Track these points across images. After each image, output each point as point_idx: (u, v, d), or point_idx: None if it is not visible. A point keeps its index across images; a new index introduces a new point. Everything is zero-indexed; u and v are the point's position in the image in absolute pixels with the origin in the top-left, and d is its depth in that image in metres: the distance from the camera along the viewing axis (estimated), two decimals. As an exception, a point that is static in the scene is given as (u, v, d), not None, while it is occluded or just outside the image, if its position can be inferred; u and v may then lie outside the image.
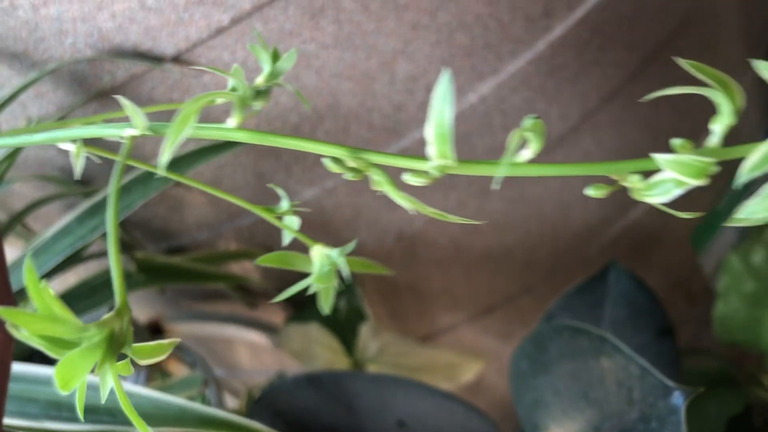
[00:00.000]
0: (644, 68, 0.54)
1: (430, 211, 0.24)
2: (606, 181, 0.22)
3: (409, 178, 0.22)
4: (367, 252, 0.55)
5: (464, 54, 0.45)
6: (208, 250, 0.51)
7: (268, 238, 0.54)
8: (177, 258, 0.47)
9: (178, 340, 0.22)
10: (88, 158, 0.27)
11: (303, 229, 0.56)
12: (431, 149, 0.20)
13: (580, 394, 0.31)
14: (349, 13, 0.41)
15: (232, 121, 0.24)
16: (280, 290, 0.58)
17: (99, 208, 0.39)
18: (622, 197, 0.64)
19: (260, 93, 0.27)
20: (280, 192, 0.29)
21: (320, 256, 0.27)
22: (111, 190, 0.21)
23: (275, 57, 0.28)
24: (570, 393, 0.32)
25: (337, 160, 0.23)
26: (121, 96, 0.23)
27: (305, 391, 0.41)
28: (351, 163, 0.23)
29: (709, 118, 0.20)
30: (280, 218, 0.30)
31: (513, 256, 0.59)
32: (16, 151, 0.42)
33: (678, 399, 0.27)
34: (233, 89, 0.25)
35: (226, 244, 0.52)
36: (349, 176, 0.24)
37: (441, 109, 0.19)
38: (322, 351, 0.55)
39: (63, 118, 0.44)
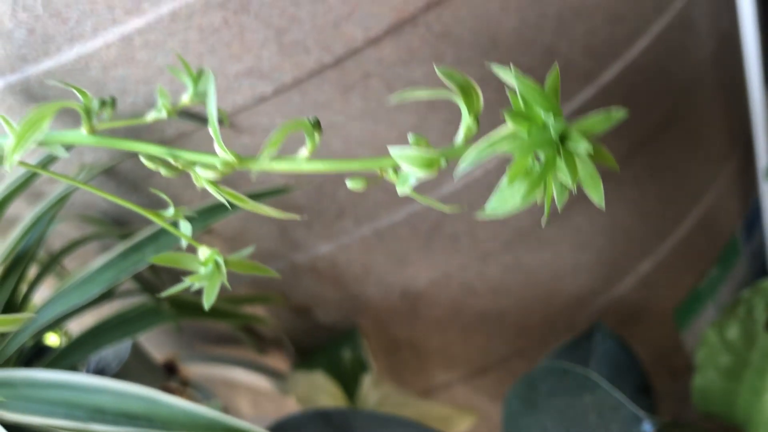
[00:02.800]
0: (632, 156, 0.60)
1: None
2: (370, 176, 0.26)
3: (202, 171, 0.26)
4: (373, 306, 0.60)
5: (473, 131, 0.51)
6: (229, 293, 0.55)
7: (281, 288, 0.58)
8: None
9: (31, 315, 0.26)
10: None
11: (315, 280, 0.61)
12: (216, 147, 0.25)
13: (565, 429, 0.35)
14: (376, 91, 0.47)
15: (83, 128, 0.28)
16: (290, 337, 0.63)
17: (141, 245, 0.44)
18: (609, 272, 0.70)
19: (104, 103, 0.32)
20: (167, 199, 0.33)
21: (206, 256, 0.31)
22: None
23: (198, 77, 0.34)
24: (557, 429, 0.36)
25: (152, 158, 0.27)
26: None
27: (314, 426, 0.45)
28: (171, 162, 0.27)
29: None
30: (175, 225, 0.34)
31: (507, 320, 0.64)
32: (69, 194, 0.48)
33: (647, 427, 0.31)
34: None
35: (244, 290, 0.57)
36: (167, 173, 0.28)
37: (210, 108, 0.24)
38: (325, 398, 0.58)
39: (114, 167, 0.49)
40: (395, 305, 0.60)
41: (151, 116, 0.31)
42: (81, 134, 0.26)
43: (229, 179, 0.51)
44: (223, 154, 0.24)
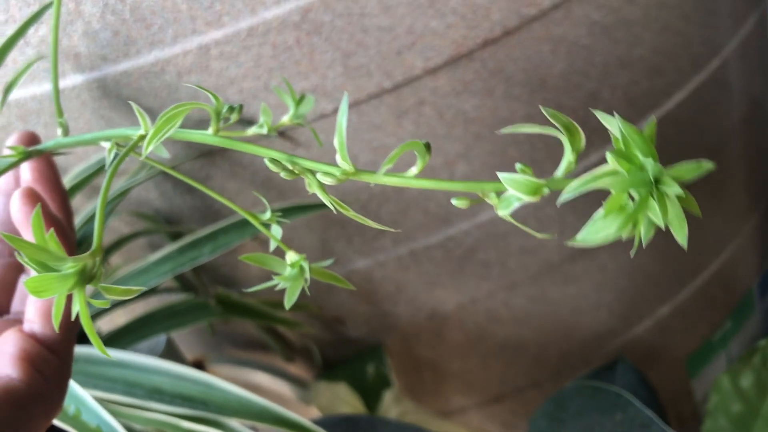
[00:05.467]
0: (660, 202, 0.62)
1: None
2: (472, 196, 0.28)
3: (322, 178, 0.28)
4: (401, 325, 0.62)
5: (513, 164, 0.54)
6: (267, 298, 0.58)
7: (316, 298, 0.61)
8: (250, 299, 0.54)
9: (143, 288, 0.28)
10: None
11: (348, 294, 0.64)
12: (337, 156, 0.27)
13: (592, 447, 0.37)
14: (428, 118, 0.50)
15: (211, 129, 0.31)
16: (319, 347, 0.65)
17: (198, 243, 0.46)
18: (629, 313, 0.72)
19: (232, 109, 0.35)
20: (264, 201, 0.35)
21: (292, 260, 0.34)
22: (105, 182, 0.28)
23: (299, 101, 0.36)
24: (584, 446, 0.38)
25: (275, 162, 0.30)
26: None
27: (341, 430, 0.47)
28: (288, 166, 0.30)
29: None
30: (267, 226, 0.37)
31: (526, 350, 0.65)
32: (128, 189, 0.50)
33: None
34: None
35: (280, 297, 0.59)
36: (285, 176, 0.30)
37: (341, 121, 0.26)
38: (347, 409, 0.60)
39: (175, 167, 0.52)
40: (422, 326, 0.62)
41: (251, 131, 0.33)
42: (207, 134, 0.29)
43: (282, 189, 0.53)
44: (343, 164, 0.26)
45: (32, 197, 0.29)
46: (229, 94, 0.48)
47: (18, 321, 0.31)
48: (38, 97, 0.50)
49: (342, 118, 0.25)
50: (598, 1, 0.50)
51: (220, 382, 0.36)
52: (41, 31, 0.46)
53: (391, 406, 0.60)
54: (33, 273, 0.32)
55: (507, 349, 0.65)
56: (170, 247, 0.46)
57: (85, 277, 0.25)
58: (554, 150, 0.55)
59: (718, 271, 0.71)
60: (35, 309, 0.28)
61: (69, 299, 0.29)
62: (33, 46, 0.46)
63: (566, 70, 0.52)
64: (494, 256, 0.58)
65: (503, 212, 0.25)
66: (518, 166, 0.25)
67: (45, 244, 0.24)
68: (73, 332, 0.29)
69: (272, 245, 0.35)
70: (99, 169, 0.49)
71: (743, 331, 0.75)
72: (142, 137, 0.30)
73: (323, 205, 0.52)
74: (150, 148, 0.26)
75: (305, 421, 0.35)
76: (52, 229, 0.25)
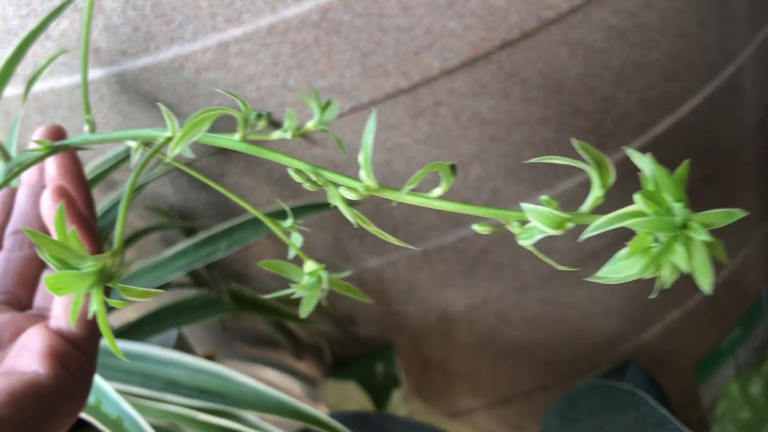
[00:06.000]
0: (673, 207, 0.62)
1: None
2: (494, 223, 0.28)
3: (346, 193, 0.28)
4: (410, 325, 0.62)
5: (528, 167, 0.54)
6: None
7: (326, 296, 0.61)
8: (264, 295, 0.54)
9: (161, 291, 0.29)
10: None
11: (362, 292, 0.63)
12: (361, 173, 0.27)
13: (605, 448, 0.37)
14: (444, 119, 0.51)
15: (237, 135, 0.31)
16: (328, 345, 0.65)
17: (215, 238, 0.46)
18: (639, 318, 0.72)
19: (260, 116, 0.35)
20: (287, 209, 0.35)
21: (310, 270, 0.34)
22: (130, 183, 0.28)
23: (324, 107, 0.37)
24: (597, 447, 0.38)
25: (300, 172, 0.30)
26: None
27: (352, 428, 0.47)
28: (312, 177, 0.30)
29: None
30: (288, 234, 0.37)
31: (536, 353, 0.66)
32: (145, 184, 0.51)
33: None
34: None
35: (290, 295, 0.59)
36: (308, 187, 0.30)
37: (367, 139, 0.26)
38: (355, 408, 0.60)
39: (191, 163, 0.52)
40: (432, 326, 0.62)
41: (275, 135, 0.33)
42: (234, 140, 0.29)
43: (296, 187, 0.54)
44: (366, 180, 0.26)
45: (63, 195, 0.30)
46: (247, 91, 0.48)
47: (41, 317, 0.31)
48: (56, 90, 0.50)
49: (369, 136, 0.25)
50: (616, 5, 0.50)
51: (236, 375, 0.36)
52: (62, 24, 0.46)
53: (400, 405, 0.60)
54: (51, 270, 0.33)
55: (516, 352, 0.65)
56: (186, 243, 0.46)
57: (104, 277, 0.25)
58: (569, 155, 0.55)
59: (729, 277, 0.71)
60: (62, 306, 0.29)
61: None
62: (54, 39, 0.47)
63: (583, 74, 0.52)
64: (506, 257, 0.58)
65: (525, 242, 0.25)
66: (543, 198, 0.25)
67: (67, 241, 0.25)
68: (98, 329, 0.30)
69: (291, 252, 0.35)
70: (115, 164, 0.49)
71: (752, 338, 0.75)
72: (169, 139, 0.30)
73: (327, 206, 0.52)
74: (176, 151, 0.26)
75: (322, 415, 0.35)
76: (74, 227, 0.25)
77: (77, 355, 0.28)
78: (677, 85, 0.57)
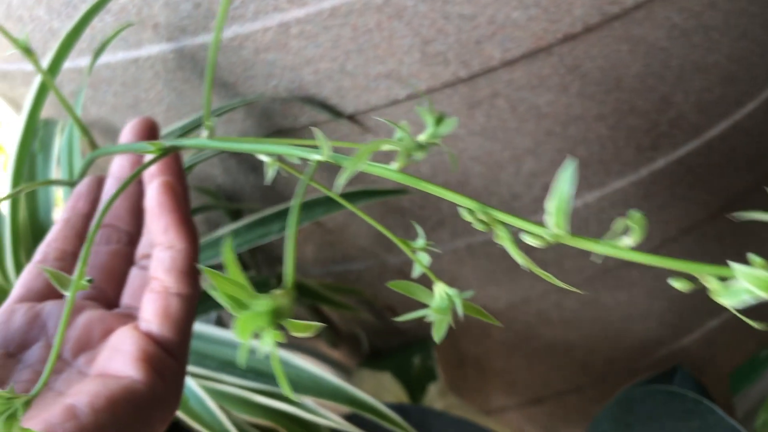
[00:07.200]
0: (720, 213, 0.61)
1: (542, 273, 0.28)
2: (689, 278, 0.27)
3: (526, 238, 0.27)
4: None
5: (581, 164, 0.53)
6: (332, 281, 0.57)
7: (368, 286, 0.60)
8: (309, 280, 0.54)
9: (322, 325, 0.28)
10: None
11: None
12: (550, 218, 0.25)
13: (665, 453, 0.37)
14: (500, 110, 0.50)
15: (395, 165, 0.30)
16: (367, 333, 0.64)
17: (267, 220, 0.46)
18: (678, 324, 0.70)
19: (421, 146, 0.34)
20: (420, 231, 0.35)
21: (441, 292, 0.33)
22: (295, 200, 0.27)
23: (439, 120, 0.35)
24: (656, 451, 0.37)
25: (470, 212, 0.29)
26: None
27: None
28: (481, 216, 0.29)
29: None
30: (414, 252, 0.36)
31: (573, 354, 0.65)
32: (195, 164, 0.50)
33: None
34: (400, 140, 0.31)
35: (337, 281, 0.59)
36: (478, 227, 0.29)
37: (564, 188, 0.25)
38: (390, 399, 0.60)
39: (241, 143, 0.52)
40: (471, 321, 0.61)
41: (387, 147, 0.32)
42: (392, 170, 0.27)
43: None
44: (556, 229, 0.24)
45: (172, 190, 0.29)
46: (305, 74, 0.48)
47: (129, 316, 0.30)
48: (111, 65, 0.50)
49: (566, 185, 0.23)
50: (681, 3, 0.49)
51: (293, 358, 0.35)
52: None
53: (436, 399, 0.60)
54: (141, 267, 0.31)
55: (553, 352, 0.64)
56: (238, 223, 0.46)
57: (278, 316, 0.24)
58: (623, 152, 0.54)
59: (770, 287, 0.70)
60: (153, 309, 0.27)
61: (191, 303, 0.28)
62: (113, 13, 0.46)
63: (642, 72, 0.51)
64: (552, 256, 0.57)
65: (727, 302, 0.24)
66: (752, 257, 0.23)
67: (239, 280, 0.24)
68: (189, 336, 0.28)
69: (417, 270, 0.35)
70: (189, 167, 0.48)
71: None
72: (319, 163, 0.29)
73: (387, 192, 0.52)
74: (342, 183, 0.25)
75: (379, 404, 0.35)
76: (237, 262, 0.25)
77: (170, 361, 0.27)
78: (735, 88, 0.56)
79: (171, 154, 0.31)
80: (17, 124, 0.44)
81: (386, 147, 0.30)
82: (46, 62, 0.48)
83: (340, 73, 0.47)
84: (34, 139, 0.46)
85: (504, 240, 0.28)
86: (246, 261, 0.58)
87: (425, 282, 0.28)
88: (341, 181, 0.26)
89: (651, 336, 0.65)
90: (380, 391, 0.61)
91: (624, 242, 0.24)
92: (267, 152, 0.31)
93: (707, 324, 0.67)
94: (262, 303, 0.24)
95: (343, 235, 0.56)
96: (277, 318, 0.25)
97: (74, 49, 0.48)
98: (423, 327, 0.62)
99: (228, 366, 0.36)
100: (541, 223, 0.23)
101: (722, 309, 0.73)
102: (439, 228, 0.56)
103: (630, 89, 0.51)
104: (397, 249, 0.58)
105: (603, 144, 0.53)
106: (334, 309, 0.55)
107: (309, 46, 0.46)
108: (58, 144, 0.50)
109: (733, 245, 0.64)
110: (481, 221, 0.29)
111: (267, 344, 0.24)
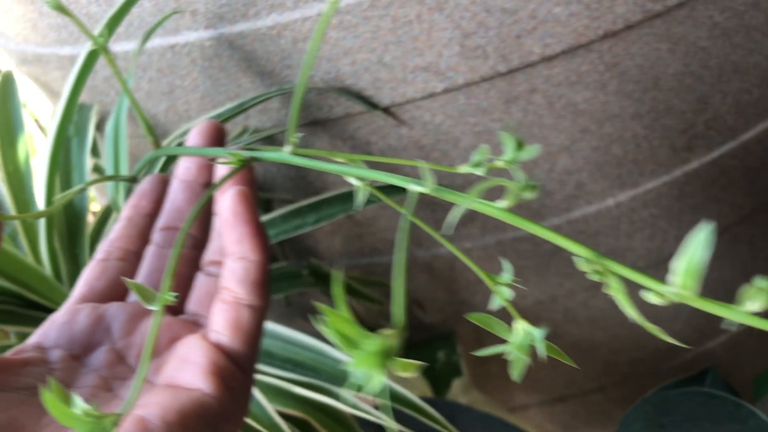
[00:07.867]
0: (753, 216, 0.61)
1: (653, 328, 0.27)
2: None
3: (650, 296, 0.25)
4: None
5: (615, 163, 0.53)
6: (360, 274, 0.57)
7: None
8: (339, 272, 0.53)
9: (425, 364, 0.27)
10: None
11: (429, 278, 0.63)
12: (677, 278, 0.24)
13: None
14: (537, 106, 0.49)
15: (504, 203, 0.29)
16: (390, 328, 0.64)
17: (302, 211, 0.46)
18: (705, 327, 0.70)
19: (532, 187, 0.31)
20: (507, 267, 0.33)
21: (523, 330, 0.32)
22: (400, 236, 0.26)
23: (519, 146, 0.34)
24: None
25: (587, 261, 0.27)
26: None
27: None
28: (596, 266, 0.27)
29: None
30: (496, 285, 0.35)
31: (597, 353, 0.64)
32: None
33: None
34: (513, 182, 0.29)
35: (364, 273, 0.59)
36: (594, 277, 0.28)
37: (697, 250, 0.23)
38: (414, 393, 0.60)
39: (273, 136, 0.52)
40: (497, 318, 0.61)
41: (463, 169, 0.31)
42: (499, 208, 0.26)
43: (374, 164, 0.53)
44: (682, 291, 0.23)
45: (247, 200, 0.28)
46: (342, 65, 0.47)
47: (195, 323, 0.29)
48: (148, 50, 0.50)
49: (699, 251, 0.22)
50: (724, 3, 0.49)
51: (332, 350, 0.35)
52: (163, -16, 0.45)
53: (460, 394, 0.60)
54: (208, 273, 0.30)
55: (578, 351, 0.64)
56: (273, 214, 0.45)
57: (387, 356, 0.24)
58: (657, 152, 0.53)
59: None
60: (224, 320, 0.27)
61: (261, 315, 0.28)
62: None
63: (681, 71, 0.50)
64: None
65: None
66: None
67: (347, 314, 0.23)
68: (258, 349, 0.28)
69: (364, 232, 0.34)
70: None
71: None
72: (420, 194, 0.28)
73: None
74: (454, 222, 0.25)
75: (416, 398, 0.35)
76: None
77: (239, 374, 0.26)
78: (773, 90, 0.55)
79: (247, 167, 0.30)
80: (57, 107, 0.44)
81: (493, 184, 0.28)
82: (85, 47, 0.48)
83: (377, 64, 0.47)
84: (70, 124, 0.46)
85: (617, 293, 0.26)
86: (275, 252, 0.57)
87: (482, 307, 0.27)
88: (453, 220, 0.25)
89: (676, 338, 0.65)
90: (404, 386, 0.60)
91: (749, 307, 0.23)
92: (359, 176, 0.29)
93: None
94: (373, 343, 0.23)
95: (371, 228, 0.56)
96: (386, 358, 0.24)
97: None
98: (448, 322, 0.62)
99: (266, 356, 0.36)
100: (662, 281, 0.22)
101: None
102: (470, 223, 0.55)
103: (668, 89, 0.51)
104: (427, 244, 0.58)
105: (638, 143, 0.52)
106: (360, 301, 0.55)
107: (348, 36, 0.46)
108: (92, 129, 0.50)
109: (763, 248, 0.63)
110: (596, 271, 0.27)
111: (376, 384, 0.23)
